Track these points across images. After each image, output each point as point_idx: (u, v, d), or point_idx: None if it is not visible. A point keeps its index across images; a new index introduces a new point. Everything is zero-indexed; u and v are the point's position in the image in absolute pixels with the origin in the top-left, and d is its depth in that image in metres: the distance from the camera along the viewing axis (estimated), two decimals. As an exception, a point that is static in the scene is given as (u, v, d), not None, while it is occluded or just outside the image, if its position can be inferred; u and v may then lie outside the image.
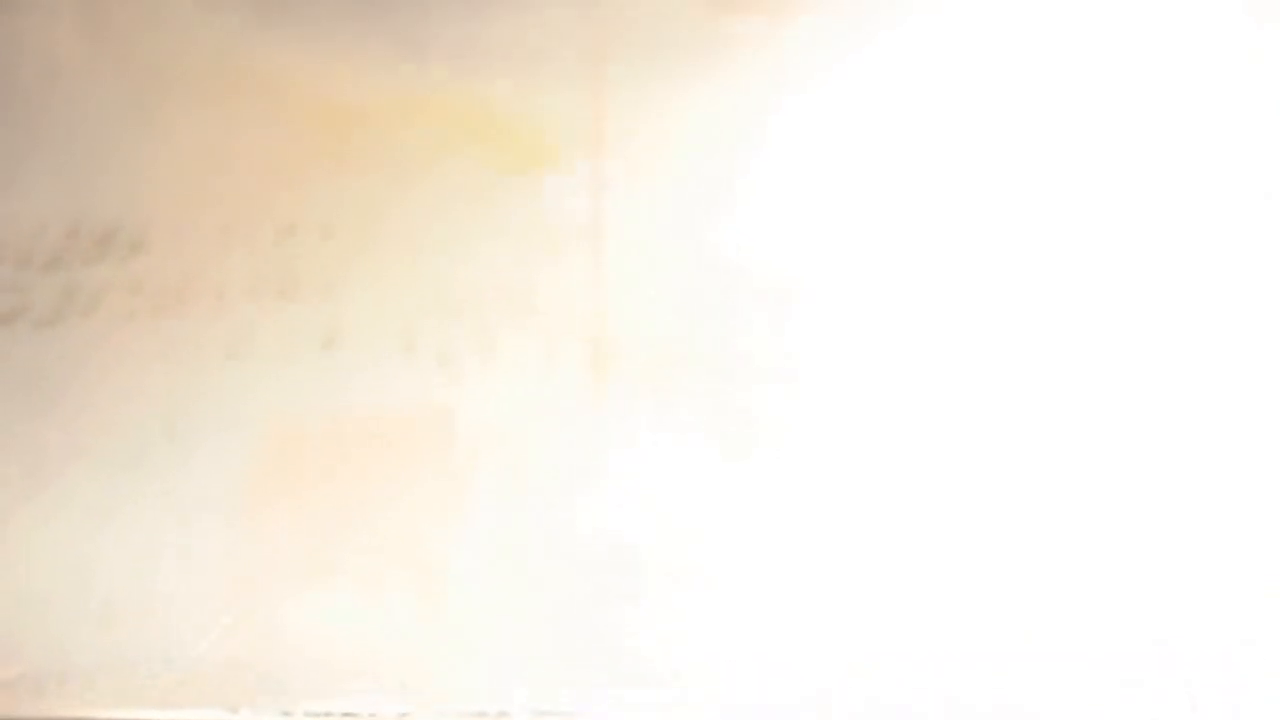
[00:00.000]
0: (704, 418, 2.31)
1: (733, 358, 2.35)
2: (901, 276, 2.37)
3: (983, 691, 2.12)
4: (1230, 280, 2.34)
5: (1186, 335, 2.33)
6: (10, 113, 2.54)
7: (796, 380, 2.33)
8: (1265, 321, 2.32)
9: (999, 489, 2.25)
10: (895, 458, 2.28)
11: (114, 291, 2.44)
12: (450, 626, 2.24)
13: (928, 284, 2.36)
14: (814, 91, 2.48)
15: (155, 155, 2.48)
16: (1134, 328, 2.34)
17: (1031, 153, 2.41)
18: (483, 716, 2.18)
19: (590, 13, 2.52)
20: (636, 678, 2.19)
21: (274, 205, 2.45)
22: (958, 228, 2.37)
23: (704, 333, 2.36)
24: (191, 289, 2.43)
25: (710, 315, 2.37)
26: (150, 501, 2.34)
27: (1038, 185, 2.40)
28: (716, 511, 2.26)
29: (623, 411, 2.32)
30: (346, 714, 2.19)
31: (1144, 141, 2.42)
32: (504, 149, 2.47)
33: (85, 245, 2.47)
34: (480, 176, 2.45)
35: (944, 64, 2.44)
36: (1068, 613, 2.15)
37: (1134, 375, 2.32)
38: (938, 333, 2.34)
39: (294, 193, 2.45)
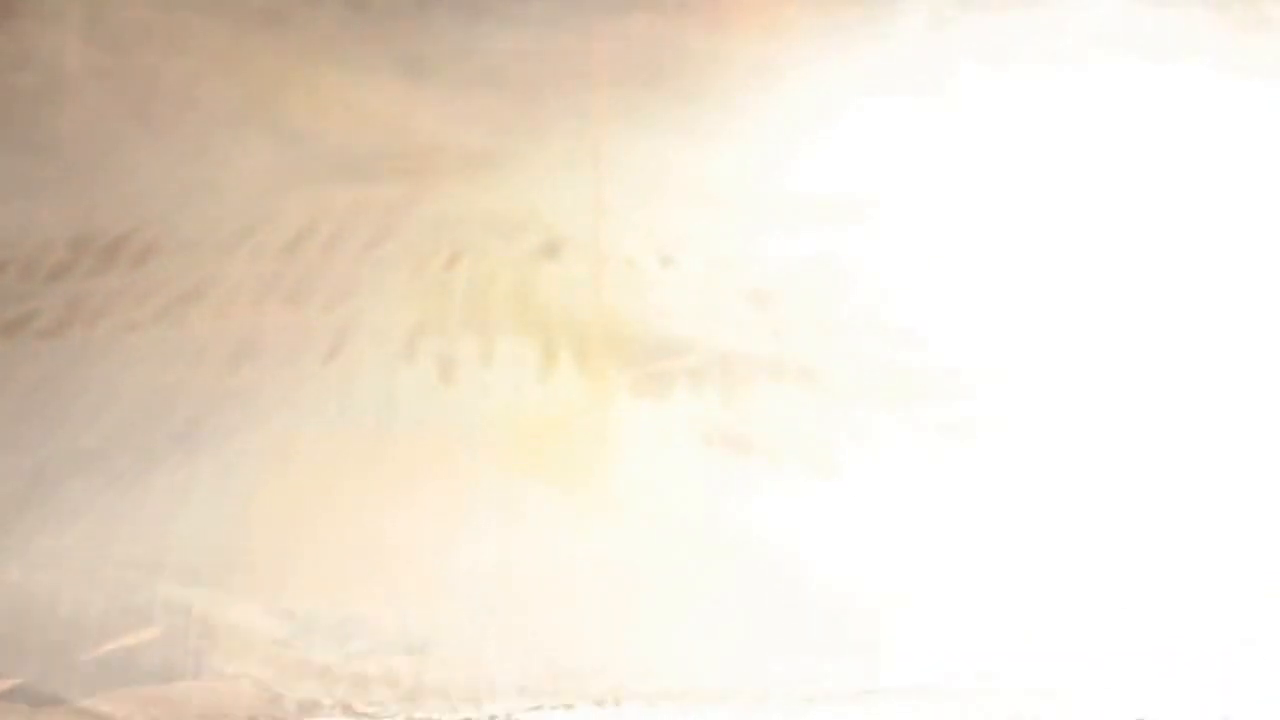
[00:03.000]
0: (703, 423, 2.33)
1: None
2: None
3: (984, 690, 2.13)
4: (1231, 285, 2.39)
5: (1186, 337, 2.36)
6: (15, 121, 2.54)
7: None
8: (1265, 323, 2.36)
9: (1016, 495, 2.30)
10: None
11: (120, 301, 2.44)
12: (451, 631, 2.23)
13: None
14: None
15: (161, 164, 2.48)
16: (1133, 330, 2.37)
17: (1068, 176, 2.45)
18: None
19: (588, 34, 2.54)
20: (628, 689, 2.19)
21: (281, 214, 2.46)
22: (968, 239, 2.41)
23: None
24: (197, 298, 2.43)
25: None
26: (156, 511, 2.33)
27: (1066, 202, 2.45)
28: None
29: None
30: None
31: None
32: (504, 163, 2.49)
33: (91, 255, 2.47)
34: (484, 189, 2.46)
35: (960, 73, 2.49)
36: (1068, 612, 2.14)
37: (1134, 378, 2.35)
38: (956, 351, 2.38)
39: (300, 202, 2.46)
